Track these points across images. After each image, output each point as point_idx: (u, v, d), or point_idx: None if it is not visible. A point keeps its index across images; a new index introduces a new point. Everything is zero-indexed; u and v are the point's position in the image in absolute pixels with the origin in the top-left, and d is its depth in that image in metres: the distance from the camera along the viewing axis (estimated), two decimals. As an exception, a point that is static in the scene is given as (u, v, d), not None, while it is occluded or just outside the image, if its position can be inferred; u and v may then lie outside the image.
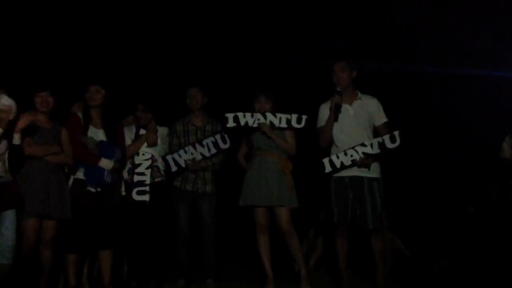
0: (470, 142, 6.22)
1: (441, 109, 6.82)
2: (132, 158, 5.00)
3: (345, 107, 4.68)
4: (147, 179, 4.96)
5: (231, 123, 4.87)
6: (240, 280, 5.37)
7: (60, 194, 4.48)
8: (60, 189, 4.50)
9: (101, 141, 4.68)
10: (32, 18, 6.08)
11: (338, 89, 4.67)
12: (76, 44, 6.25)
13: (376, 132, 4.73)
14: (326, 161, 4.67)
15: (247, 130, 4.90)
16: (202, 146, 5.02)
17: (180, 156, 5.00)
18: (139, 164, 5.00)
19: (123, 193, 4.91)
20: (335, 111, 4.65)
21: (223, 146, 5.05)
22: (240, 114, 4.85)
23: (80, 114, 4.75)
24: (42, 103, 4.51)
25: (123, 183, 4.94)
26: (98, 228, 4.59)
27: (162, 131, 5.16)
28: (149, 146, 5.03)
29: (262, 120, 4.82)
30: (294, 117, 4.82)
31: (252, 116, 4.84)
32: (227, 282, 5.19)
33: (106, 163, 4.63)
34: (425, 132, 6.60)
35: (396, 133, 4.59)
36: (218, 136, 5.04)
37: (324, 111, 4.78)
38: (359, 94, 4.77)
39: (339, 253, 4.68)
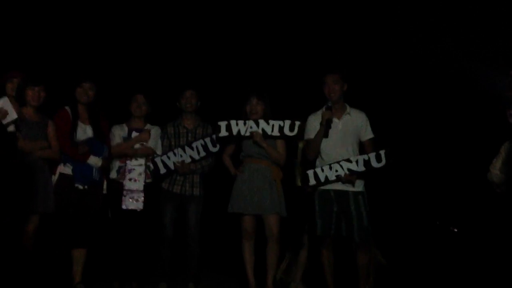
0: (457, 161, 6.26)
1: (428, 124, 6.85)
2: (125, 162, 4.95)
3: (334, 121, 4.67)
4: (140, 186, 4.90)
5: (223, 132, 4.83)
6: (222, 286, 5.32)
7: (45, 189, 4.44)
8: (46, 184, 4.46)
9: (90, 138, 4.66)
10: (25, 12, 6.01)
11: (329, 104, 4.65)
12: (68, 39, 6.19)
13: (362, 147, 4.73)
14: (310, 173, 4.65)
15: (239, 139, 4.88)
16: (192, 148, 4.98)
17: (169, 158, 4.96)
18: (132, 169, 4.94)
19: (104, 192, 4.84)
20: (326, 127, 4.62)
21: (212, 149, 5.02)
22: (232, 122, 4.81)
23: (69, 109, 4.72)
24: (34, 97, 4.50)
25: (105, 181, 4.86)
26: (77, 225, 4.58)
27: (156, 130, 5.13)
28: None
29: (254, 128, 4.79)
30: (287, 123, 4.78)
31: (244, 124, 4.81)
32: (208, 288, 5.16)
33: (95, 161, 4.62)
34: (410, 148, 6.63)
35: (382, 152, 4.55)
36: (208, 139, 5.01)
37: (313, 122, 4.74)
38: (348, 108, 4.76)
39: (325, 266, 4.65)
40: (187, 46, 6.41)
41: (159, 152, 5.06)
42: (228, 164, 5.03)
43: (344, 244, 4.70)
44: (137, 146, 4.97)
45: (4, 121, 4.12)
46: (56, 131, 4.61)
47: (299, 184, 4.96)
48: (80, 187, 4.58)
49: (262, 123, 4.80)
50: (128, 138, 5.00)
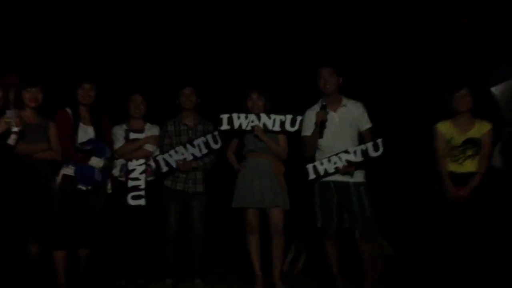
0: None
1: (426, 111, 6.80)
2: (126, 161, 4.99)
3: (330, 114, 4.67)
4: (141, 183, 4.95)
5: (225, 126, 4.85)
6: (228, 281, 5.33)
7: (48, 192, 4.49)
8: (48, 187, 4.51)
9: (91, 139, 4.67)
10: (22, 14, 6.00)
11: (323, 103, 4.66)
12: (66, 39, 6.17)
13: (361, 136, 4.74)
14: (310, 167, 4.67)
15: (240, 132, 4.89)
16: (193, 146, 4.99)
17: (171, 156, 4.97)
18: (133, 170, 4.98)
19: (109, 191, 4.87)
20: (320, 128, 4.64)
21: (214, 146, 5.03)
22: (234, 115, 4.84)
23: (69, 111, 4.72)
24: (31, 99, 4.51)
25: (109, 181, 4.89)
26: (81, 225, 4.60)
27: (153, 130, 5.17)
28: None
29: (256, 122, 4.82)
30: (288, 118, 4.82)
31: (246, 117, 4.84)
32: (215, 283, 5.15)
33: (96, 162, 4.63)
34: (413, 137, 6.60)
35: (379, 141, 4.56)
36: (209, 136, 5.02)
37: (310, 118, 4.75)
38: (344, 99, 4.77)
39: (330, 257, 4.68)
40: (185, 44, 6.39)
41: (158, 151, 5.09)
42: (232, 161, 5.03)
43: (347, 237, 4.70)
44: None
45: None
46: (59, 133, 4.63)
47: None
48: (83, 188, 4.60)
49: (263, 117, 4.83)
50: (126, 140, 5.07)
